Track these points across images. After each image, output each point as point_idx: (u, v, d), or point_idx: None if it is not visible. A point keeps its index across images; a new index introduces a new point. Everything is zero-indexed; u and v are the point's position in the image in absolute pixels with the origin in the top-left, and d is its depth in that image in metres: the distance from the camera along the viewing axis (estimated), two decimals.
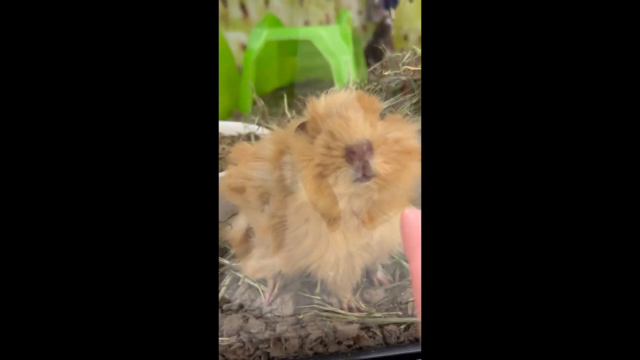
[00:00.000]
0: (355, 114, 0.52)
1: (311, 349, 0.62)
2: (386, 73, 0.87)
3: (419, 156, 0.54)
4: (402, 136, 0.54)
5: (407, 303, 0.68)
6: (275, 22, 1.56)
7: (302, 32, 1.41)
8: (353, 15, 2.00)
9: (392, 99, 0.83)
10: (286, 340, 0.61)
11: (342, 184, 0.51)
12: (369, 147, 0.50)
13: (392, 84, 0.85)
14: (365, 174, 0.50)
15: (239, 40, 1.83)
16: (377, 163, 0.50)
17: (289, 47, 1.57)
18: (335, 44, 1.35)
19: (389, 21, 1.83)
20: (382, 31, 1.84)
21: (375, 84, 0.87)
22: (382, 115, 0.59)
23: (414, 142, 0.55)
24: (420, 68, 0.81)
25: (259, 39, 1.41)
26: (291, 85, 1.73)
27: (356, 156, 0.49)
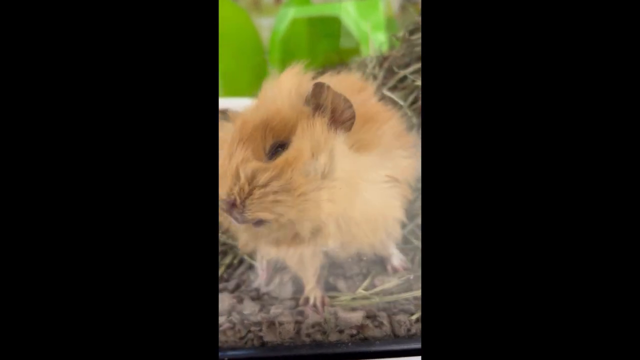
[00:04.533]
0: (241, 152, 0.46)
1: (308, 335, 0.55)
2: (412, 37, 0.78)
3: (306, 188, 0.45)
4: (277, 174, 0.45)
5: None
6: (304, 2, 1.49)
7: (328, 9, 1.33)
8: None
9: (415, 65, 0.75)
10: (280, 324, 0.55)
11: (238, 227, 0.50)
12: (233, 204, 0.45)
13: (417, 49, 0.76)
14: (244, 222, 0.46)
15: (272, 25, 1.78)
16: (251, 213, 0.45)
17: (321, 27, 1.50)
18: (366, 19, 1.26)
19: None
20: None
21: (398, 49, 0.78)
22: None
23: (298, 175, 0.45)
24: None
25: (285, 19, 1.35)
26: (327, 68, 1.65)
27: (225, 211, 0.46)
